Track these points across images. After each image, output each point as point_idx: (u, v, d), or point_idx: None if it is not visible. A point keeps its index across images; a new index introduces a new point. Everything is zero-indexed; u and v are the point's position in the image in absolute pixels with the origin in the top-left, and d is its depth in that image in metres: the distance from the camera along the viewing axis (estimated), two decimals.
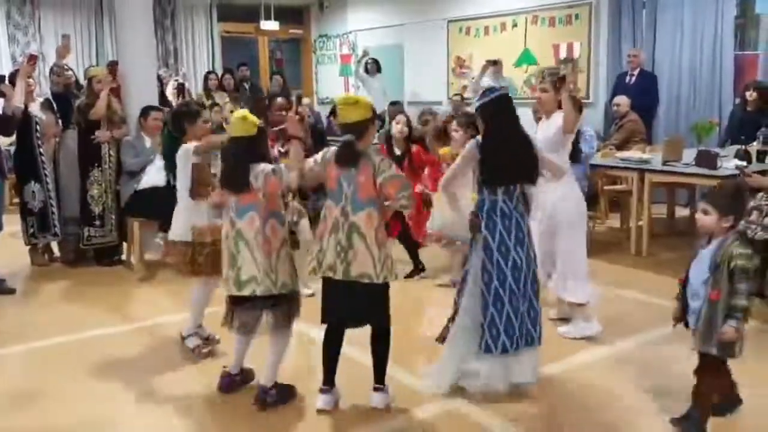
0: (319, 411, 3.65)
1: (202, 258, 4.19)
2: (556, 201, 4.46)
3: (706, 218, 3.24)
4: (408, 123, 6.19)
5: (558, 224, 4.50)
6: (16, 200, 6.92)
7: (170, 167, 4.63)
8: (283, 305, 3.69)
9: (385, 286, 3.54)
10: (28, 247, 6.56)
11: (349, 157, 3.45)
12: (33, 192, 6.33)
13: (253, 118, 3.67)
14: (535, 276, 3.86)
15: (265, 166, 3.58)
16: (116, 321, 5.10)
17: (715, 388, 3.35)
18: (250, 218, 3.60)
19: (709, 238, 3.28)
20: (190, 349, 4.39)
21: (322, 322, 3.64)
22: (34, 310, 5.44)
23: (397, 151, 6.07)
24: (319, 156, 3.60)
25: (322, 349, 3.68)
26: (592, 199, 6.91)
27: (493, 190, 3.74)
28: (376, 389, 3.70)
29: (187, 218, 4.26)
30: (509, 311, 3.71)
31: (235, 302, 3.76)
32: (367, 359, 3.70)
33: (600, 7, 9.27)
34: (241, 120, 3.65)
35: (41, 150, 6.32)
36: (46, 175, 6.36)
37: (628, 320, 4.92)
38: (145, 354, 4.51)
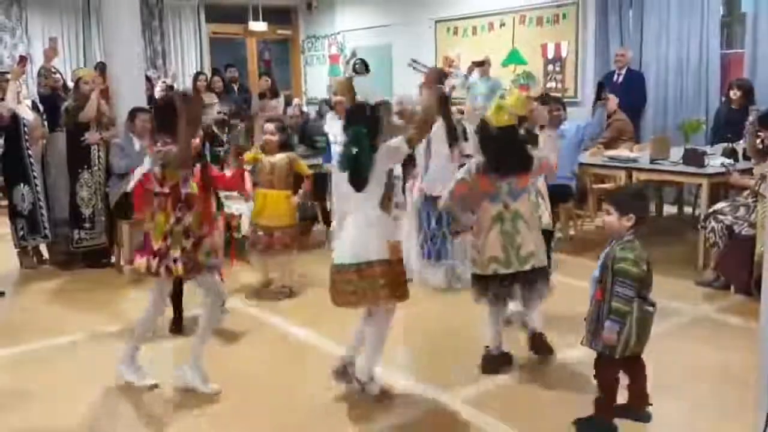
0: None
1: (394, 278, 3.57)
2: None
3: (608, 218, 3.28)
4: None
5: None
6: (5, 203, 6.91)
7: (360, 178, 3.54)
8: (542, 278, 3.96)
9: None
10: (17, 250, 6.54)
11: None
12: (22, 194, 6.32)
13: None
14: None
15: (535, 151, 4.02)
16: (106, 323, 5.08)
17: (605, 386, 3.35)
18: (524, 199, 3.93)
19: (613, 238, 3.31)
20: (375, 396, 3.70)
21: None
22: (23, 313, 5.42)
23: None
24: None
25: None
26: (580, 197, 6.95)
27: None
28: None
29: (381, 233, 3.56)
30: None
31: (486, 277, 3.90)
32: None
33: (587, 6, 9.32)
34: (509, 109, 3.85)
35: (29, 152, 6.30)
36: (34, 177, 6.34)
37: None
38: None
